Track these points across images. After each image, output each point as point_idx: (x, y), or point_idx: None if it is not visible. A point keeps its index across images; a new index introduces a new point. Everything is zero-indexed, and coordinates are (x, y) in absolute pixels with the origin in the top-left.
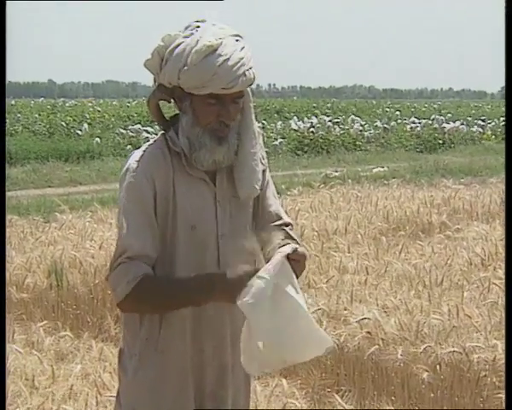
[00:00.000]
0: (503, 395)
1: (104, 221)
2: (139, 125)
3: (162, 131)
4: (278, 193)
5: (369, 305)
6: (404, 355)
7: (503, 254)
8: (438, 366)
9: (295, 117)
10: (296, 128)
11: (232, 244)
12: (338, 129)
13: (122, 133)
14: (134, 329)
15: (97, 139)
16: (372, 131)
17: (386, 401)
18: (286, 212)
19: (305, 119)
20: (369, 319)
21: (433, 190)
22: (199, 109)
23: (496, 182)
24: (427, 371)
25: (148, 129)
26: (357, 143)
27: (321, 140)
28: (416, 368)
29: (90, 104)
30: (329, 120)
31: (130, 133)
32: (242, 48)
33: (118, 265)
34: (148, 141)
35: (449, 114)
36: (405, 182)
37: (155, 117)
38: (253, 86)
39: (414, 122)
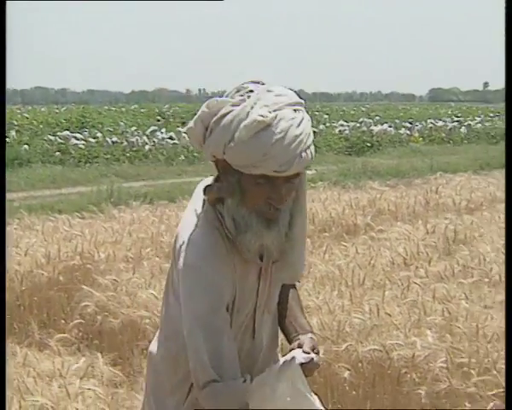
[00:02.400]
0: (422, 391)
1: (31, 228)
2: (68, 132)
3: (207, 197)
4: None
5: None
6: (326, 354)
7: (425, 254)
8: (359, 364)
9: None
10: None
11: (264, 316)
12: None
13: (51, 140)
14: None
15: (25, 146)
16: None
17: None
18: None
19: None
20: None
21: (359, 192)
22: (247, 188)
23: (421, 183)
24: (348, 369)
25: (77, 135)
26: None
27: None
28: (337, 367)
29: (18, 111)
30: None
31: (59, 140)
32: (301, 121)
33: (210, 382)
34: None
35: (377, 117)
36: (332, 184)
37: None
38: (183, 91)
39: (342, 125)
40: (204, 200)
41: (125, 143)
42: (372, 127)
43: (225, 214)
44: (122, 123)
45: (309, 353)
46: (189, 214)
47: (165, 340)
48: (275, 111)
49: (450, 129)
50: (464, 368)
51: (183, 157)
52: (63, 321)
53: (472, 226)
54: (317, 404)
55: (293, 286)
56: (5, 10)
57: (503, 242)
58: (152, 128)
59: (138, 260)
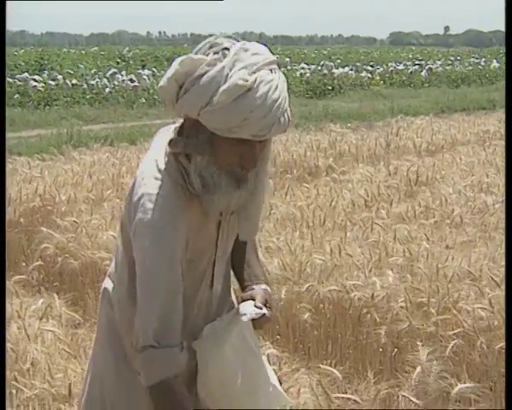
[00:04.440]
0: (382, 331)
1: None
2: (27, 74)
3: (172, 151)
4: None
5: None
6: (288, 295)
7: (387, 196)
8: (321, 305)
9: None
10: None
11: (220, 267)
12: None
13: (9, 82)
14: None
15: None
16: None
17: (271, 341)
18: None
19: None
20: None
21: (321, 134)
22: (219, 148)
23: (382, 126)
24: (310, 310)
25: (36, 78)
26: None
27: None
28: (299, 307)
29: None
30: None
31: (18, 82)
32: (278, 84)
33: (147, 347)
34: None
35: (338, 60)
36: (294, 127)
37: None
38: (143, 34)
39: (303, 68)
40: (166, 151)
41: (85, 86)
42: (333, 70)
43: (191, 171)
44: (82, 65)
45: (261, 308)
46: (149, 163)
47: (119, 284)
48: (254, 73)
49: (411, 72)
50: (424, 308)
51: (143, 100)
52: (24, 263)
53: (433, 168)
54: (264, 359)
55: None
56: (5, 10)
57: (464, 183)
58: (112, 70)
59: (99, 202)
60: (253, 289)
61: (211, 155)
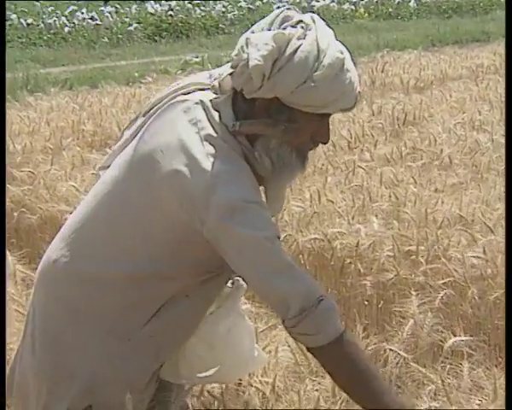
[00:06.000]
0: (367, 282)
1: None
2: None
3: (243, 132)
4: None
5: None
6: None
7: (371, 136)
8: (300, 256)
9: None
10: (153, 12)
11: None
12: (199, 11)
13: None
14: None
15: None
16: (236, 13)
17: (247, 296)
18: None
19: (163, 1)
20: None
21: None
22: (297, 127)
23: (367, 61)
24: None
25: None
26: (220, 25)
27: (180, 24)
28: None
29: None
30: (189, 2)
31: None
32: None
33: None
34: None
35: None
36: None
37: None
38: None
39: (281, 1)
40: (213, 123)
41: (42, 25)
42: (313, 3)
43: (261, 151)
44: (37, 3)
45: None
46: (190, 135)
47: (113, 258)
48: (337, 44)
49: (399, 3)
50: (412, 256)
51: (106, 39)
52: None
53: (421, 106)
54: (252, 328)
55: None
56: (5, 10)
57: (454, 121)
58: (71, 8)
59: (58, 151)
60: None
61: (287, 134)
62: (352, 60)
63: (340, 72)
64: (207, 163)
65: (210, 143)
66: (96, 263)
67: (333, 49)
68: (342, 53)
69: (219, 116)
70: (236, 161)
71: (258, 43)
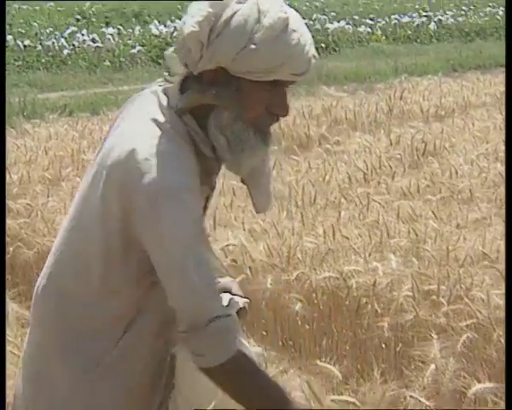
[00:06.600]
0: (385, 324)
1: None
2: None
3: (185, 107)
4: None
5: (234, 229)
6: (275, 284)
7: (388, 168)
8: (313, 295)
9: (156, 21)
10: (157, 34)
11: None
12: None
13: None
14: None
15: None
16: None
17: (256, 338)
18: None
19: (168, 22)
20: (234, 245)
21: (313, 99)
22: (247, 98)
23: (384, 88)
24: (301, 300)
25: None
26: None
27: None
28: (288, 298)
29: None
30: None
31: None
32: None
33: (218, 318)
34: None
35: (333, 13)
36: None
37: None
38: None
39: None
40: (161, 108)
41: (40, 48)
42: (327, 25)
43: (214, 129)
44: (35, 23)
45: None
46: (138, 121)
47: (83, 272)
48: (281, 6)
49: (418, 25)
50: (433, 296)
51: (107, 63)
52: None
53: (442, 136)
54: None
55: None
56: (5, 10)
57: (477, 152)
58: (71, 29)
59: (56, 182)
60: (219, 282)
61: (238, 106)
62: (306, 25)
63: (283, 32)
64: (145, 148)
65: (153, 128)
66: (73, 279)
67: (275, 10)
68: (286, 13)
69: (168, 101)
70: (170, 143)
71: (193, 11)
